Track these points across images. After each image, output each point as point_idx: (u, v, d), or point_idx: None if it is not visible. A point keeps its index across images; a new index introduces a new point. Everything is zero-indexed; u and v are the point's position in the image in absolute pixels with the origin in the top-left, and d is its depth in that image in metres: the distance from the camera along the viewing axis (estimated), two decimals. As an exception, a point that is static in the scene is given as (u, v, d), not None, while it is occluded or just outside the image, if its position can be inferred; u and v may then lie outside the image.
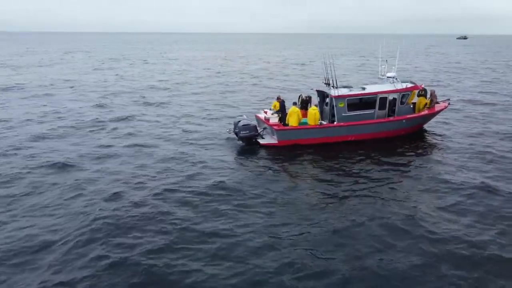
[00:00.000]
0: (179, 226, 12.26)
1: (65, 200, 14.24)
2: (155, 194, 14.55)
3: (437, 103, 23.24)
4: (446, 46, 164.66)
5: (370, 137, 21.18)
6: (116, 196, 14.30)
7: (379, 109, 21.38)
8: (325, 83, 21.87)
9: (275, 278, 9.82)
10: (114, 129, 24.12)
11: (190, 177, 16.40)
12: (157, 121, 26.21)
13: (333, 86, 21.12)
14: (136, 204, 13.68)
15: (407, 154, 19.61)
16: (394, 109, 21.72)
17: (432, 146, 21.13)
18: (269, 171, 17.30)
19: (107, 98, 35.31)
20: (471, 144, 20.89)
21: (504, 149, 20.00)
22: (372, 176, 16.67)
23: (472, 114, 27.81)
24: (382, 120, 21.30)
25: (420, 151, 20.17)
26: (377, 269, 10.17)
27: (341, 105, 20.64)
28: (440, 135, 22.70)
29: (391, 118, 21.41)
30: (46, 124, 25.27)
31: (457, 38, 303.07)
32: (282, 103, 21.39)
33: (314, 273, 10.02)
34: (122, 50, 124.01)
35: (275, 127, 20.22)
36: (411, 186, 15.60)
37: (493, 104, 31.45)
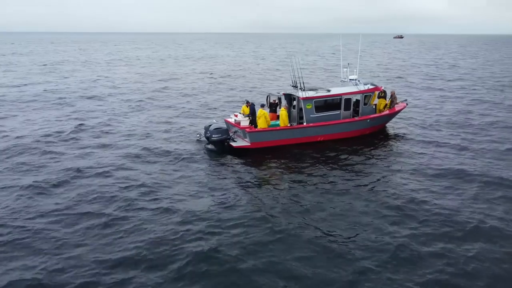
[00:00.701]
0: (152, 235, 12.06)
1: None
2: (124, 201, 14.33)
3: (397, 103, 24.46)
4: (389, 45, 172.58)
5: (337, 137, 21.90)
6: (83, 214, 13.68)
7: (344, 110, 22.18)
8: (293, 86, 22.32)
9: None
10: (77, 139, 23.13)
11: (163, 185, 16.15)
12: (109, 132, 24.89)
13: (300, 89, 21.60)
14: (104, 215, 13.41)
15: (374, 150, 20.73)
16: (358, 110, 22.62)
17: (395, 142, 22.35)
18: (242, 174, 17.49)
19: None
20: (426, 137, 22.83)
21: (459, 137, 22.43)
22: (345, 173, 17.48)
23: (424, 108, 29.70)
24: (349, 120, 22.11)
25: (385, 147, 21.44)
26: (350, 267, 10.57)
27: (309, 107, 21.17)
28: (400, 133, 23.99)
29: (356, 118, 22.28)
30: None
31: (394, 37, 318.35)
32: (252, 107, 21.53)
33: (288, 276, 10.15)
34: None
35: (247, 129, 20.33)
36: (382, 178, 16.84)
37: (439, 97, 33.74)
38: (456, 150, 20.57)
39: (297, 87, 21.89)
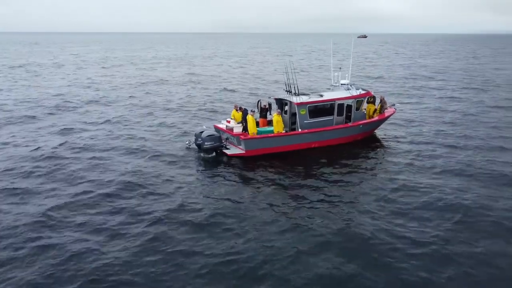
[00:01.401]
0: (146, 244, 11.81)
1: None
2: (114, 213, 13.69)
3: (386, 108, 24.33)
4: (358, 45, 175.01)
5: (331, 143, 21.49)
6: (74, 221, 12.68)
7: (337, 115, 21.77)
8: (287, 91, 21.67)
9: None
10: (62, 144, 21.69)
11: (154, 194, 15.41)
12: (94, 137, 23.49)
13: (295, 94, 21.01)
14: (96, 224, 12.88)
15: (367, 156, 20.58)
16: (350, 115, 22.27)
17: (386, 147, 22.25)
18: (236, 182, 16.85)
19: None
20: (413, 142, 22.84)
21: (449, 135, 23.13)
22: (342, 180, 17.17)
23: (408, 114, 29.90)
24: (343, 126, 21.74)
25: (378, 153, 21.30)
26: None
27: (303, 112, 20.62)
28: (389, 137, 23.92)
29: (349, 124, 21.93)
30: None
31: (358, 37, 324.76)
32: (245, 113, 20.64)
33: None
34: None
35: (241, 136, 19.53)
36: (373, 185, 16.63)
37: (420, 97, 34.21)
38: (448, 149, 21.35)
39: (291, 92, 21.26)
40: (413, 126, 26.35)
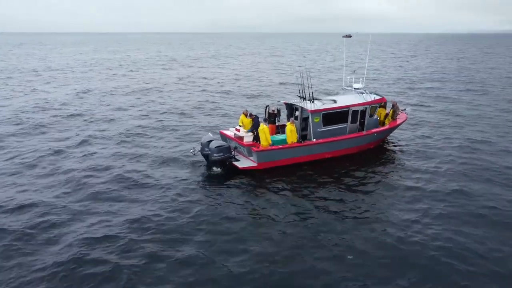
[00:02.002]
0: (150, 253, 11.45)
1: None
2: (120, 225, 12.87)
3: (398, 113, 23.16)
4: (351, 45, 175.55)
5: (345, 152, 20.16)
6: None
7: (351, 122, 20.48)
8: (300, 96, 20.21)
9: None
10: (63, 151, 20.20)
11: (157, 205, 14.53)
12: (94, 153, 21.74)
13: (309, 100, 19.62)
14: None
15: (379, 163, 19.70)
16: (363, 122, 21.01)
17: (397, 153, 21.32)
18: (246, 196, 15.63)
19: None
20: (425, 147, 22.05)
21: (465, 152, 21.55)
22: (361, 190, 16.29)
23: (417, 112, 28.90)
24: (358, 135, 20.42)
25: (389, 159, 20.49)
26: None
27: (317, 120, 19.24)
28: (399, 141, 22.86)
29: (364, 133, 20.64)
30: None
31: (342, 37, 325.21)
32: (256, 120, 19.08)
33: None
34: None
35: (253, 148, 18.02)
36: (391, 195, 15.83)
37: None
38: (462, 152, 20.80)
39: (305, 98, 19.82)
40: (422, 129, 25.47)
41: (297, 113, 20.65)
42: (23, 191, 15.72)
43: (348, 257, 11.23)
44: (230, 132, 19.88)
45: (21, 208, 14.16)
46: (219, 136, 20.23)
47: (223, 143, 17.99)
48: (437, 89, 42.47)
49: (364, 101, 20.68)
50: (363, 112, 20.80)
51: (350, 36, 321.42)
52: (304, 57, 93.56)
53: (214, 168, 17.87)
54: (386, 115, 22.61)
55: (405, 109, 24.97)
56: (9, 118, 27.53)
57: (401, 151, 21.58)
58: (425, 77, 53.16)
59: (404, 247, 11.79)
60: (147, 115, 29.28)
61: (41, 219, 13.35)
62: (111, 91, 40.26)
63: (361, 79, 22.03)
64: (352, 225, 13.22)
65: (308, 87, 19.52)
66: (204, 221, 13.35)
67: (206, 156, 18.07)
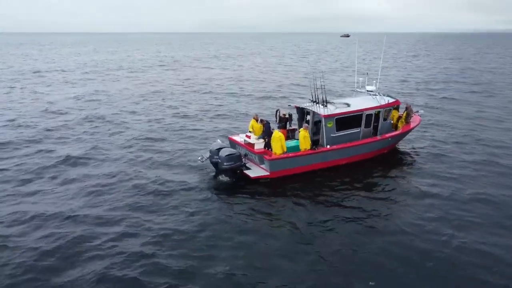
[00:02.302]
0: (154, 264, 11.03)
1: None
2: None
3: (412, 117, 22.39)
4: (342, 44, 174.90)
5: (360, 158, 19.42)
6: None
7: (365, 127, 19.71)
8: (313, 100, 19.40)
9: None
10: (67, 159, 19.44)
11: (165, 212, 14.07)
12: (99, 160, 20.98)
13: (322, 104, 18.83)
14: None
15: (393, 169, 19.18)
16: (377, 126, 20.26)
17: (410, 157, 20.79)
18: (261, 205, 15.00)
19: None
20: (439, 151, 21.45)
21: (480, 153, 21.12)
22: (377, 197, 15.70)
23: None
24: (372, 140, 19.67)
25: (403, 164, 19.99)
26: None
27: (330, 125, 18.46)
28: (412, 148, 22.11)
29: (378, 137, 19.87)
30: None
31: (340, 36, 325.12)
32: (267, 126, 18.27)
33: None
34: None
35: (265, 156, 17.22)
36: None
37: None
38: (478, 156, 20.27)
39: (317, 102, 19.02)
40: (433, 132, 24.94)
41: (308, 117, 19.88)
42: (35, 202, 15.01)
43: (370, 283, 10.44)
44: (240, 139, 19.09)
45: (31, 220, 13.51)
46: (228, 142, 19.46)
47: (233, 151, 17.20)
48: (443, 90, 41.83)
49: (378, 104, 19.93)
50: (377, 116, 20.07)
51: (348, 36, 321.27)
52: (306, 57, 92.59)
53: (222, 177, 17.09)
54: (399, 117, 21.87)
55: (418, 112, 24.20)
56: (18, 124, 26.66)
57: (415, 155, 20.98)
58: (429, 78, 52.48)
59: (431, 263, 11.15)
60: (154, 119, 28.44)
61: (54, 232, 12.70)
62: (115, 94, 39.30)
63: (374, 81, 21.23)
64: (374, 237, 12.59)
65: (321, 89, 18.73)
66: (222, 236, 12.67)
67: (215, 164, 17.29)
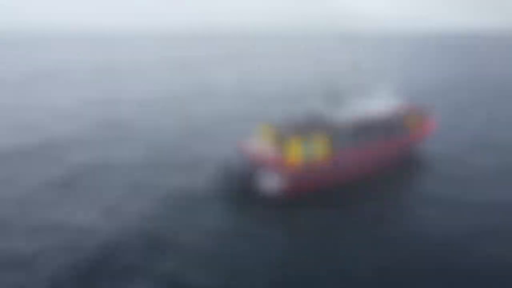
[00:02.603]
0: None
1: None
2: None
3: (426, 121, 21.59)
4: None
5: (378, 166, 18.60)
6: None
7: (382, 133, 18.90)
8: (327, 106, 18.55)
9: None
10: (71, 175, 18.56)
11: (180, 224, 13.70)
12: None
13: (338, 110, 18.00)
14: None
15: (409, 177, 18.03)
16: (393, 132, 19.46)
17: (433, 164, 19.71)
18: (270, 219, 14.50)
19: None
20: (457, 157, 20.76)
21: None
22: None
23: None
24: (390, 146, 18.87)
25: (428, 171, 18.72)
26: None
27: (346, 133, 17.63)
28: (429, 153, 21.30)
29: (396, 145, 19.07)
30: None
31: (339, 36, 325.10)
32: (281, 132, 17.24)
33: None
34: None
35: (279, 167, 16.13)
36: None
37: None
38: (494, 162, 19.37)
39: (333, 107, 18.16)
40: (449, 136, 24.12)
41: (323, 124, 19.03)
42: (63, 214, 14.55)
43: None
44: (251, 146, 18.16)
45: (56, 229, 12.92)
46: (236, 147, 18.63)
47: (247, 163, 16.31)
48: (455, 91, 40.89)
49: (395, 110, 19.14)
50: (394, 122, 19.29)
51: (346, 36, 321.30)
52: (310, 58, 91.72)
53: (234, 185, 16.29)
54: (415, 122, 21.09)
55: (433, 116, 23.43)
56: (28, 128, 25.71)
57: (433, 160, 20.19)
58: (439, 81, 51.62)
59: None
60: (173, 124, 27.59)
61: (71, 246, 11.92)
62: (130, 98, 38.29)
63: (391, 86, 20.45)
64: (403, 247, 12.17)
65: (337, 95, 17.92)
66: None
67: (229, 177, 16.49)
